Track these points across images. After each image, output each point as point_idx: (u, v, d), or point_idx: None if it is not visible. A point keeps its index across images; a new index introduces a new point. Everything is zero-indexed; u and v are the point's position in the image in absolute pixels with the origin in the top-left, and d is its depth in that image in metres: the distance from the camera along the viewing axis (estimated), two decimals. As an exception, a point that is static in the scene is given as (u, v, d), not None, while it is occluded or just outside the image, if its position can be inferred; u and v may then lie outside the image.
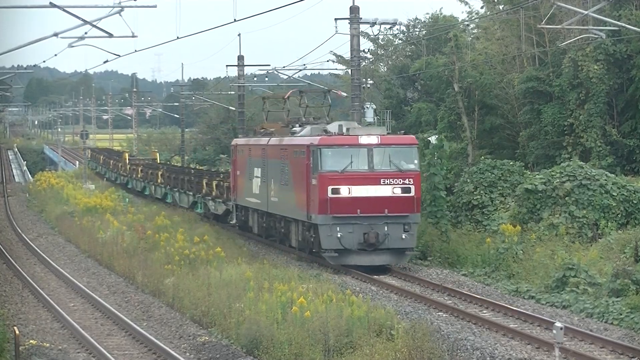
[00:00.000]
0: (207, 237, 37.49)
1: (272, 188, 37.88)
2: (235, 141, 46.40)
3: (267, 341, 21.95)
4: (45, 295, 30.57)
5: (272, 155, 38.13)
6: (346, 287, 29.85)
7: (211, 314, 25.54)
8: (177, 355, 21.81)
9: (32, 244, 44.86)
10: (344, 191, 32.39)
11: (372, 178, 32.47)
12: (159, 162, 77.34)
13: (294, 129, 38.48)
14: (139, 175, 69.26)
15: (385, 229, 32.27)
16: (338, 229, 32.21)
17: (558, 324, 19.00)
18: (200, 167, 76.85)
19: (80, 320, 26.88)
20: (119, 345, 24.01)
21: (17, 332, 21.53)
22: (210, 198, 50.08)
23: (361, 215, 32.23)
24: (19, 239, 48.21)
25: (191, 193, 54.43)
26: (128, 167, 74.49)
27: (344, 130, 33.57)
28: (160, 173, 62.92)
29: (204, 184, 51.36)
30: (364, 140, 32.79)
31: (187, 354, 22.74)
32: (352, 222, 32.27)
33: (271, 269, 31.23)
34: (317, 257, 34.87)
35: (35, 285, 32.65)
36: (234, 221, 44.88)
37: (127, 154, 77.71)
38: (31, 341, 23.69)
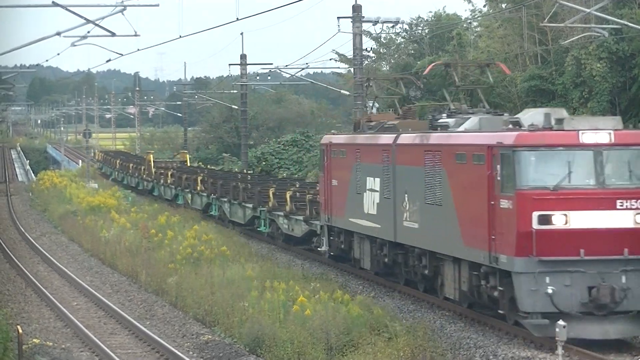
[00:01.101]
0: (211, 236, 37.49)
1: (406, 208, 26.74)
2: (327, 139, 33.82)
3: (269, 340, 21.97)
4: (49, 294, 30.60)
5: (406, 160, 26.96)
6: (348, 286, 29.88)
7: (214, 313, 25.56)
8: (180, 354, 21.84)
9: (35, 243, 44.89)
10: (559, 220, 21.38)
11: (603, 199, 21.52)
12: (188, 164, 69.94)
13: (440, 120, 27.13)
14: (168, 181, 59.29)
15: (623, 279, 21.43)
16: (548, 280, 21.25)
17: (561, 322, 18.99)
18: (252, 171, 65.32)
19: (84, 319, 26.91)
20: (122, 344, 24.04)
21: (20, 330, 21.55)
22: (281, 214, 39.08)
23: (586, 258, 21.39)
24: (22, 238, 48.25)
25: (250, 205, 43.11)
26: (154, 171, 65.08)
27: (552, 121, 22.20)
28: (199, 179, 52.23)
29: (271, 195, 40.29)
30: (588, 138, 21.66)
31: (190, 352, 22.76)
32: (572, 270, 21.36)
33: (275, 268, 31.26)
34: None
35: (38, 284, 32.68)
36: (324, 248, 33.55)
37: (151, 156, 68.05)
38: (34, 340, 23.70)
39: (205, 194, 50.39)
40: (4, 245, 43.40)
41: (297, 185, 41.31)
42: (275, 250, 39.63)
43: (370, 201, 29.03)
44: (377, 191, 28.43)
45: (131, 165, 74.42)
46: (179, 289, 28.80)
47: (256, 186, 43.74)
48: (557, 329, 18.86)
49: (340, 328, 22.15)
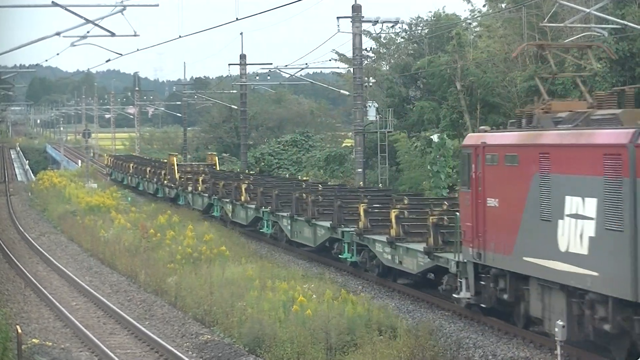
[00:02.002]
0: (211, 236, 37.47)
1: None
2: (475, 138, 24.29)
3: (269, 340, 21.95)
4: (48, 294, 30.58)
5: None
6: (348, 286, 29.86)
7: (213, 313, 25.55)
8: (180, 354, 21.82)
9: (34, 242, 44.88)
10: None
11: None
12: (217, 168, 62.71)
13: None
14: (199, 189, 50.66)
15: None
16: None
17: (560, 322, 18.97)
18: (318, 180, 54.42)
19: (83, 319, 26.89)
20: (122, 344, 24.01)
21: (19, 330, 21.53)
22: (383, 240, 29.20)
23: None
24: (21, 237, 48.23)
25: (327, 224, 33.86)
26: (178, 176, 57.06)
27: None
28: (244, 187, 43.08)
29: (361, 212, 31.04)
30: None
31: (190, 352, 22.74)
32: None
33: (274, 267, 31.24)
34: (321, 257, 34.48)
35: (37, 284, 32.66)
36: (463, 294, 24.22)
37: (175, 158, 59.48)
38: (34, 340, 23.69)
39: (252, 206, 41.39)
40: (3, 245, 43.38)
41: (405, 202, 31.00)
42: (274, 250, 39.60)
43: (574, 233, 19.39)
44: (589, 218, 18.87)
45: (149, 169, 66.47)
46: (178, 289, 28.78)
47: (334, 199, 33.72)
48: (556, 329, 18.83)
49: (340, 328, 22.14)
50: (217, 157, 66.12)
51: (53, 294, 30.86)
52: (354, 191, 39.55)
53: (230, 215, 44.52)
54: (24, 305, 29.48)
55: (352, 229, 31.49)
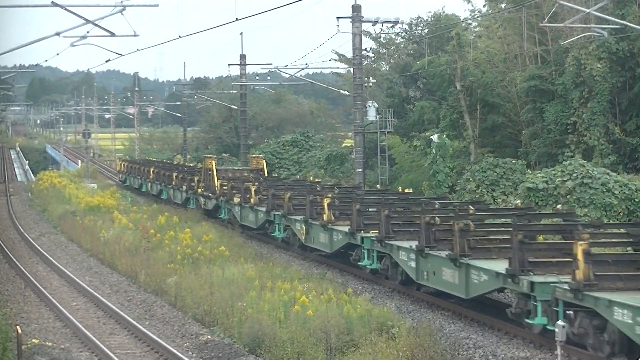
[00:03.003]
0: (210, 236, 37.47)
1: None
2: None
3: (269, 340, 21.94)
4: (48, 294, 30.57)
5: None
6: (348, 286, 29.86)
7: (213, 313, 25.54)
8: (180, 354, 21.81)
9: (34, 243, 44.87)
10: None
11: None
12: (266, 173, 52.89)
13: None
14: (252, 200, 41.60)
15: None
16: None
17: (560, 322, 18.96)
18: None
19: (83, 319, 26.88)
20: (122, 344, 24.01)
21: (19, 331, 21.52)
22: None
23: None
24: (21, 238, 48.22)
25: (345, 229, 31.67)
26: (218, 184, 48.02)
27: None
28: (326, 202, 33.33)
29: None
30: None
31: (190, 352, 22.73)
32: None
33: (274, 268, 31.23)
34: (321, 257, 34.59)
35: (37, 284, 32.65)
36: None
37: (213, 162, 49.49)
38: (33, 340, 23.68)
39: (345, 230, 31.68)
40: (3, 245, 43.37)
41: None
42: (274, 250, 39.60)
43: None
44: None
45: (176, 175, 57.51)
46: (178, 289, 28.78)
47: (454, 219, 25.22)
48: (556, 329, 18.83)
49: (341, 328, 22.14)
50: (264, 161, 54.19)
51: (53, 294, 30.85)
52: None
53: (310, 239, 34.81)
54: (23, 306, 29.46)
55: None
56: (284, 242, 38.63)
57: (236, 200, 43.57)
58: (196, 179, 52.33)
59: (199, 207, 50.93)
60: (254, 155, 59.10)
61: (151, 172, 64.82)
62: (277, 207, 38.43)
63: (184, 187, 54.58)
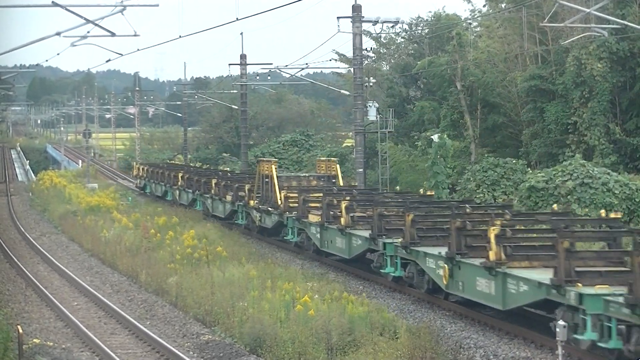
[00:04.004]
0: (210, 237, 37.49)
1: None
2: None
3: (270, 340, 21.96)
4: (49, 294, 30.59)
5: None
6: (348, 286, 29.87)
7: (214, 313, 25.56)
8: (181, 354, 21.82)
9: (35, 243, 44.89)
10: None
11: None
12: (341, 182, 42.07)
13: None
14: (342, 222, 31.95)
15: None
16: None
17: (561, 322, 18.97)
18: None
19: (84, 319, 26.90)
20: (123, 344, 24.02)
21: (20, 330, 21.54)
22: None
23: None
24: (22, 237, 48.24)
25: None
26: (282, 196, 38.46)
27: None
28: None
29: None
30: None
31: (191, 352, 22.75)
32: None
33: (275, 268, 31.24)
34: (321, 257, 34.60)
35: (38, 284, 32.67)
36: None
37: (272, 167, 40.07)
38: (35, 340, 23.70)
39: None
40: (4, 245, 43.40)
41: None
42: (274, 250, 39.62)
43: None
44: None
45: (217, 182, 48.29)
46: (179, 289, 28.80)
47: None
48: (557, 329, 18.84)
49: (344, 328, 22.16)
50: (338, 165, 42.76)
51: (54, 294, 30.86)
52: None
53: (444, 284, 25.21)
54: (25, 306, 29.48)
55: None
56: (409, 286, 28.19)
57: (313, 219, 34.35)
58: (247, 188, 42.84)
59: (252, 222, 42.49)
60: (322, 158, 46.99)
61: (180, 178, 55.97)
62: (387, 233, 29.02)
63: (229, 198, 45.37)
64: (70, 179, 76.03)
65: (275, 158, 74.44)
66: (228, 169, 66.26)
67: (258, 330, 22.48)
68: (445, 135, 49.44)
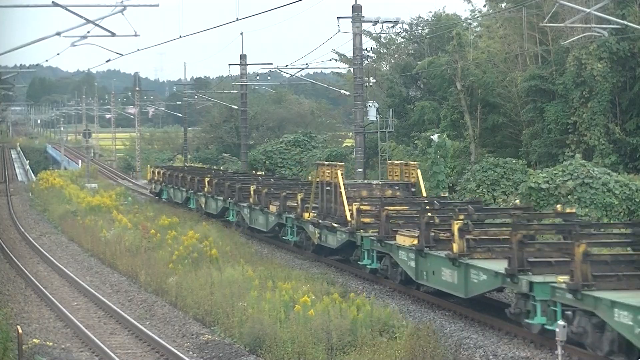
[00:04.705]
0: (210, 237, 37.46)
1: None
2: None
3: (270, 340, 21.95)
4: (49, 294, 30.58)
5: None
6: (349, 286, 29.86)
7: (214, 313, 25.55)
8: (180, 354, 21.82)
9: (35, 243, 44.87)
10: None
11: None
12: (423, 191, 34.09)
13: None
14: (455, 248, 24.29)
15: None
16: None
17: (561, 322, 18.96)
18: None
19: (84, 319, 26.89)
20: (122, 344, 24.01)
21: (20, 330, 21.52)
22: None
23: None
24: (22, 238, 48.23)
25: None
26: (353, 209, 31.03)
27: None
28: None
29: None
30: None
31: (190, 352, 22.74)
32: None
33: (275, 268, 31.23)
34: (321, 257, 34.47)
35: (38, 284, 32.66)
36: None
37: (338, 173, 33.07)
38: (34, 340, 23.68)
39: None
40: (3, 245, 43.38)
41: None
42: (274, 250, 39.61)
43: None
44: None
45: (256, 189, 41.64)
46: (178, 289, 28.79)
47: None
48: (557, 329, 18.84)
49: (344, 328, 22.15)
50: (419, 171, 34.68)
51: (54, 294, 30.85)
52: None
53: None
54: (24, 306, 29.47)
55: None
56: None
57: (404, 241, 27.30)
58: (299, 197, 35.98)
59: (306, 239, 36.02)
60: (397, 162, 37.11)
61: (207, 184, 49.36)
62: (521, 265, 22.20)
63: (273, 209, 38.82)
64: (70, 178, 75.96)
65: (279, 157, 74.68)
66: (263, 172, 62.03)
67: (258, 330, 22.47)
68: (445, 135, 49.45)
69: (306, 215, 35.51)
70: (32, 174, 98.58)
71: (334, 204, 33.11)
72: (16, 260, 38.51)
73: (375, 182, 36.87)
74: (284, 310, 23.49)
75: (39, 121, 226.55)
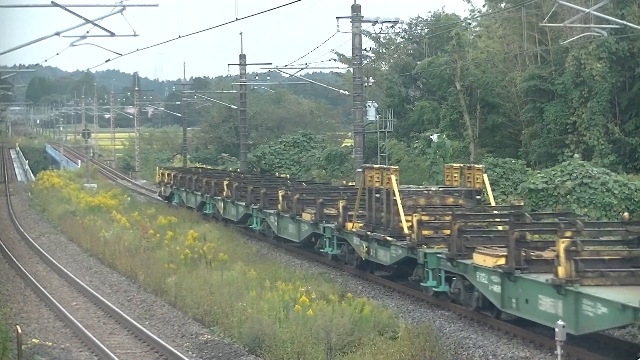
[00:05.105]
0: (210, 237, 37.47)
1: None
2: None
3: (269, 340, 21.95)
4: (48, 294, 30.57)
5: None
6: (348, 286, 29.86)
7: (213, 313, 25.54)
8: (180, 354, 21.81)
9: (34, 242, 44.87)
10: None
11: None
12: (491, 200, 29.69)
13: None
14: (561, 273, 20.00)
15: None
16: None
17: (560, 322, 18.96)
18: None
19: (83, 319, 26.88)
20: (122, 344, 24.00)
21: (19, 330, 21.51)
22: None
23: None
24: (21, 237, 48.22)
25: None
26: (409, 222, 27.26)
27: None
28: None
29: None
30: None
31: (190, 352, 22.73)
32: None
33: (275, 268, 31.21)
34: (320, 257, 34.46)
35: (37, 284, 32.65)
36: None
37: (392, 178, 28.49)
38: (33, 340, 23.68)
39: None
40: (3, 245, 43.37)
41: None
42: (274, 250, 39.60)
43: None
44: None
45: (285, 195, 37.84)
46: (178, 289, 28.78)
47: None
48: (556, 329, 18.83)
49: (344, 328, 22.14)
50: (485, 175, 30.18)
51: (53, 294, 30.84)
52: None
53: None
54: (23, 305, 29.46)
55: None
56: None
57: (483, 260, 23.11)
58: (341, 205, 31.70)
59: (348, 252, 31.82)
60: (456, 165, 32.04)
61: (226, 187, 45.61)
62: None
63: (307, 217, 34.88)
64: (69, 178, 75.93)
65: (277, 158, 74.65)
66: (288, 175, 57.90)
67: (257, 330, 22.47)
68: (444, 135, 49.45)
69: (349, 225, 31.05)
70: (32, 174, 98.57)
71: (387, 213, 28.56)
72: (15, 260, 38.50)
73: (433, 187, 32.00)
74: (282, 310, 23.48)
75: (38, 121, 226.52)
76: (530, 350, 21.41)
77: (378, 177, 29.37)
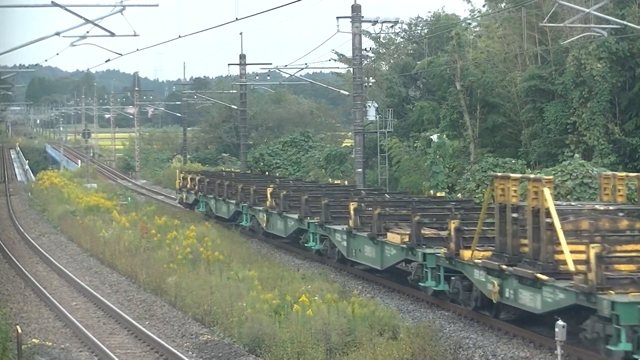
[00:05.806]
0: (209, 237, 37.44)
1: None
2: None
3: (269, 340, 21.95)
4: (48, 294, 30.58)
5: None
6: (349, 286, 29.86)
7: (213, 313, 25.55)
8: (180, 354, 21.81)
9: (34, 242, 44.88)
10: None
11: None
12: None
13: None
14: None
15: None
16: None
17: (560, 322, 18.95)
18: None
19: (83, 319, 26.89)
20: (122, 344, 24.01)
21: (19, 330, 21.52)
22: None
23: None
24: (21, 237, 48.23)
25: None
26: (589, 256, 18.81)
27: None
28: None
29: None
30: None
31: (190, 352, 22.74)
32: None
33: (275, 268, 31.22)
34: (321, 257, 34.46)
35: (37, 284, 32.66)
36: None
37: (546, 192, 20.54)
38: (33, 340, 23.69)
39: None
40: (3, 245, 43.38)
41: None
42: (274, 251, 39.58)
43: None
44: None
45: (357, 209, 30.80)
46: (178, 289, 28.78)
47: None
48: (556, 329, 18.83)
49: (343, 328, 22.14)
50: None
51: (53, 294, 30.85)
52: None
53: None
54: (23, 305, 29.47)
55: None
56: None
57: None
58: (453, 225, 24.23)
59: (464, 289, 24.27)
60: (620, 174, 24.76)
61: (270, 196, 38.93)
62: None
63: (395, 238, 27.74)
64: (69, 178, 75.92)
65: (275, 158, 74.51)
66: (345, 181, 49.63)
67: (257, 330, 22.47)
68: (444, 135, 49.43)
69: (466, 253, 23.79)
70: (32, 174, 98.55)
71: (533, 241, 21.10)
72: (15, 260, 38.51)
73: (596, 204, 23.61)
74: (283, 310, 23.48)
75: (38, 121, 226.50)
76: (530, 350, 21.40)
77: (515, 191, 22.05)
